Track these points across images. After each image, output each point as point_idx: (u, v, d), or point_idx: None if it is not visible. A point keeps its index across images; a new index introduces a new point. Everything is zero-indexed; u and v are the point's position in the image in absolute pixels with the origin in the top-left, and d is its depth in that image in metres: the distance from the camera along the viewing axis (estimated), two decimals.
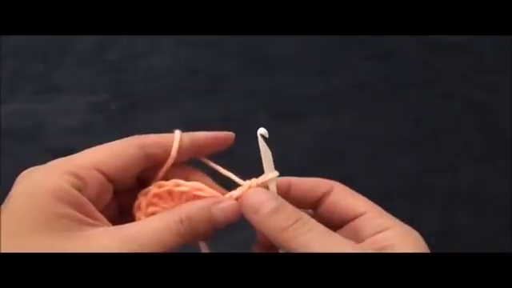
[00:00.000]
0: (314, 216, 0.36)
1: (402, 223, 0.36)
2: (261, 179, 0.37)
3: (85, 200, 0.33)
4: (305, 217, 0.35)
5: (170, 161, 0.38)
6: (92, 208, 0.33)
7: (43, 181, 0.32)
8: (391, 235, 0.35)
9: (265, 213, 0.35)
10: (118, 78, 0.85)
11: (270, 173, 0.37)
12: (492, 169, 0.76)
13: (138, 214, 0.38)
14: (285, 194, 0.38)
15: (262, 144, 0.37)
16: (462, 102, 0.83)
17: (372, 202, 0.38)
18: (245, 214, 0.36)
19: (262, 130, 0.37)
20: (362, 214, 0.37)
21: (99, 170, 0.35)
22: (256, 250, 0.40)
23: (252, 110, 0.80)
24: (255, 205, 0.35)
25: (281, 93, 0.83)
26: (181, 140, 0.38)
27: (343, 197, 0.38)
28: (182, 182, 0.38)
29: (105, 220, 0.34)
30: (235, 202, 0.36)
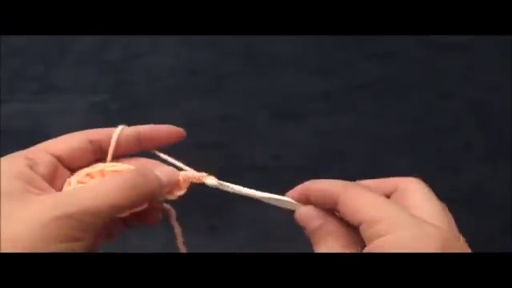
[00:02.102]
0: None
1: (424, 222, 0.34)
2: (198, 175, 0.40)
3: (35, 175, 0.37)
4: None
5: (111, 148, 0.41)
6: (44, 184, 0.37)
7: (4, 164, 0.37)
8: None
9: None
10: (118, 78, 0.85)
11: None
12: (492, 169, 0.76)
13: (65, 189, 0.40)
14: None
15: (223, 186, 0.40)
16: (462, 102, 0.83)
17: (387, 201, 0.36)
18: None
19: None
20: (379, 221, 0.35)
21: (49, 152, 0.39)
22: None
23: (252, 110, 0.80)
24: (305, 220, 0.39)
25: (281, 93, 0.83)
26: (124, 131, 0.42)
27: (354, 199, 0.37)
28: (116, 163, 0.40)
29: (52, 191, 0.38)
30: (173, 168, 0.40)
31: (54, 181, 0.39)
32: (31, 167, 0.37)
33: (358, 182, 0.39)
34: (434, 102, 0.83)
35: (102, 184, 0.37)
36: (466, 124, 0.81)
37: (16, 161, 0.38)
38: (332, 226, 0.37)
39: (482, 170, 0.76)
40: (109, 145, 0.41)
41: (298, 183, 0.40)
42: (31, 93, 0.83)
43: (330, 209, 0.38)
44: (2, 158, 0.38)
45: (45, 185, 0.37)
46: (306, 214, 0.38)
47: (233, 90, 0.84)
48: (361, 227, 0.34)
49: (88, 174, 0.40)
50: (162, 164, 0.41)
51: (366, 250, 0.34)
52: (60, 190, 0.39)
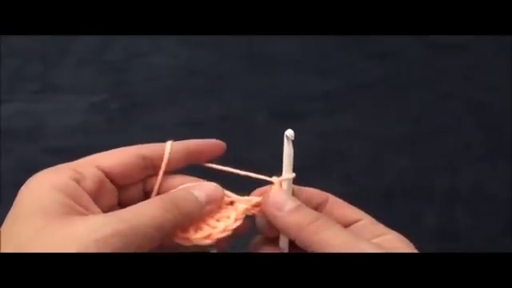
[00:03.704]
0: None
1: (393, 232, 0.38)
2: (280, 178, 0.39)
3: (81, 191, 0.35)
4: (324, 216, 0.38)
5: (164, 163, 0.40)
6: (88, 200, 0.36)
7: (46, 177, 0.35)
8: (391, 239, 0.37)
9: (288, 209, 0.37)
10: (118, 78, 0.85)
11: (288, 173, 0.39)
12: (492, 169, 0.76)
13: None
14: None
15: (286, 145, 0.39)
16: (462, 102, 0.83)
17: (365, 213, 0.40)
18: (266, 211, 0.38)
19: (288, 132, 0.39)
20: (357, 221, 0.39)
21: (98, 167, 0.38)
22: (256, 243, 0.41)
23: (252, 110, 0.80)
24: (280, 202, 0.38)
25: (281, 93, 0.83)
26: (174, 146, 0.40)
27: (338, 206, 0.41)
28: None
29: (99, 211, 0.36)
30: (214, 183, 0.39)
31: (99, 197, 0.37)
32: (78, 181, 0.36)
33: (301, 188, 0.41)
34: (433, 102, 0.83)
35: (140, 206, 0.35)
36: (466, 124, 0.81)
37: (62, 172, 0.36)
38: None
39: (481, 170, 0.76)
40: (159, 160, 0.40)
41: (298, 183, 0.40)
42: (31, 93, 0.83)
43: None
44: (48, 169, 0.37)
45: (89, 202, 0.36)
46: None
47: (233, 90, 0.84)
48: (359, 223, 0.39)
49: None
50: (203, 181, 0.40)
51: (376, 241, 0.37)
52: (105, 207, 0.37)
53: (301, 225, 0.36)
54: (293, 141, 0.39)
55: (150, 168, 0.40)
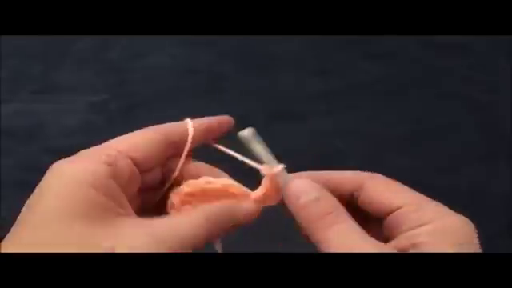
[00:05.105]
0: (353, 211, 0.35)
1: (450, 214, 0.34)
2: (271, 172, 0.38)
3: (118, 189, 0.33)
4: (339, 210, 0.35)
5: (187, 146, 0.39)
6: (123, 196, 0.34)
7: (80, 170, 0.33)
8: (425, 231, 0.33)
9: (303, 201, 0.35)
10: (118, 78, 0.85)
11: (277, 165, 0.38)
12: (492, 169, 0.76)
13: (172, 212, 0.39)
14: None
15: (253, 142, 0.38)
16: (462, 102, 0.83)
17: (413, 193, 0.36)
18: (286, 201, 0.36)
19: (242, 132, 0.38)
20: (398, 208, 0.35)
21: (131, 157, 0.36)
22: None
23: (252, 110, 0.80)
24: (296, 193, 0.36)
25: (281, 93, 0.83)
26: (193, 125, 0.40)
27: (377, 191, 0.37)
28: (212, 179, 0.38)
29: (130, 208, 0.34)
30: (253, 203, 0.38)
31: (128, 188, 0.35)
32: (114, 177, 0.33)
33: (321, 172, 0.38)
34: (433, 101, 0.83)
35: (191, 229, 0.34)
36: (466, 124, 0.81)
37: (98, 169, 0.33)
38: (342, 208, 0.35)
39: (481, 169, 0.76)
40: (180, 140, 0.39)
41: None
42: (31, 93, 0.83)
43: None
44: (76, 158, 0.34)
45: (123, 197, 0.34)
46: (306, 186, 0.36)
47: (233, 90, 0.84)
48: (398, 212, 0.34)
49: (189, 193, 0.38)
50: (246, 190, 0.38)
51: (401, 238, 0.33)
52: (130, 196, 0.35)
53: (310, 218, 0.34)
54: (291, 141, 0.38)
55: (172, 149, 0.38)
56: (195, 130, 0.39)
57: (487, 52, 0.87)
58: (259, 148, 0.38)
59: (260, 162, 0.38)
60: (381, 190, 0.36)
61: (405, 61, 0.87)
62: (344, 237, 0.33)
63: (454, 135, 0.80)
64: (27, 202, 0.33)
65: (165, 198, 0.40)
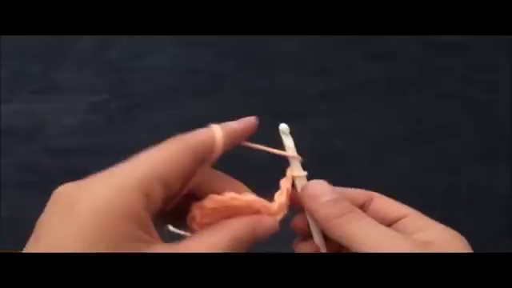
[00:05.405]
0: None
1: (445, 226, 0.38)
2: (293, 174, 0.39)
3: (148, 219, 0.31)
4: (358, 209, 0.38)
5: (212, 160, 0.37)
6: (151, 226, 0.32)
7: (110, 198, 0.30)
8: (435, 233, 0.36)
9: (324, 200, 0.37)
10: (118, 78, 0.85)
11: (299, 171, 0.39)
12: (492, 169, 0.76)
13: (193, 225, 0.38)
14: None
15: (286, 140, 0.40)
16: (462, 102, 0.83)
17: (413, 208, 0.40)
18: (304, 202, 0.38)
19: (281, 126, 0.39)
20: (404, 216, 0.39)
21: (162, 182, 0.33)
22: (296, 244, 0.41)
23: (252, 110, 0.80)
24: (317, 193, 0.38)
25: (281, 93, 0.83)
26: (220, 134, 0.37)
27: (383, 204, 0.40)
28: (236, 195, 0.37)
29: (156, 233, 0.32)
30: (275, 220, 0.38)
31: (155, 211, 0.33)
32: (148, 209, 0.31)
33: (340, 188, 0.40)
34: (434, 102, 0.83)
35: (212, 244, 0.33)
36: (466, 124, 0.81)
37: (132, 196, 0.31)
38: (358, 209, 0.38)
39: (481, 169, 0.76)
40: (208, 152, 0.36)
41: None
42: (31, 93, 0.83)
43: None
44: (117, 191, 0.30)
45: (151, 227, 0.32)
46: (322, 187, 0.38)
47: (232, 90, 0.84)
48: (405, 219, 0.38)
49: (211, 208, 0.37)
50: (269, 204, 0.38)
51: (417, 236, 0.36)
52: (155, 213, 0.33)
53: (332, 216, 0.37)
54: (293, 137, 0.39)
55: (199, 162, 0.35)
56: (224, 140, 0.37)
57: (487, 52, 0.87)
58: (292, 144, 0.39)
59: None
60: (389, 202, 0.40)
61: (405, 61, 0.87)
62: (368, 230, 0.36)
63: (454, 135, 0.80)
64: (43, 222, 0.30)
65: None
